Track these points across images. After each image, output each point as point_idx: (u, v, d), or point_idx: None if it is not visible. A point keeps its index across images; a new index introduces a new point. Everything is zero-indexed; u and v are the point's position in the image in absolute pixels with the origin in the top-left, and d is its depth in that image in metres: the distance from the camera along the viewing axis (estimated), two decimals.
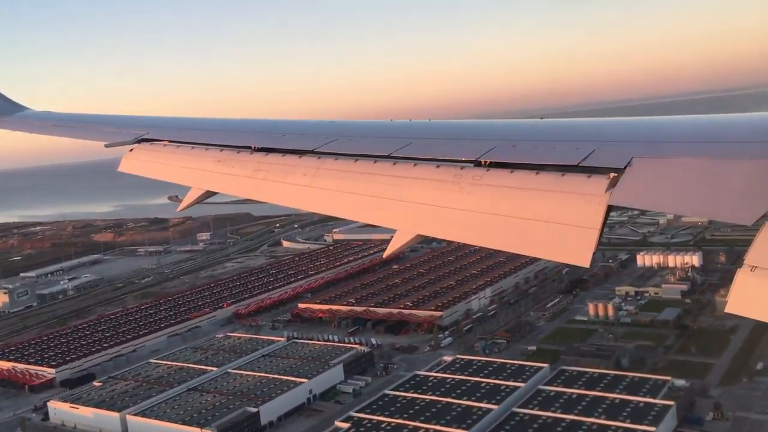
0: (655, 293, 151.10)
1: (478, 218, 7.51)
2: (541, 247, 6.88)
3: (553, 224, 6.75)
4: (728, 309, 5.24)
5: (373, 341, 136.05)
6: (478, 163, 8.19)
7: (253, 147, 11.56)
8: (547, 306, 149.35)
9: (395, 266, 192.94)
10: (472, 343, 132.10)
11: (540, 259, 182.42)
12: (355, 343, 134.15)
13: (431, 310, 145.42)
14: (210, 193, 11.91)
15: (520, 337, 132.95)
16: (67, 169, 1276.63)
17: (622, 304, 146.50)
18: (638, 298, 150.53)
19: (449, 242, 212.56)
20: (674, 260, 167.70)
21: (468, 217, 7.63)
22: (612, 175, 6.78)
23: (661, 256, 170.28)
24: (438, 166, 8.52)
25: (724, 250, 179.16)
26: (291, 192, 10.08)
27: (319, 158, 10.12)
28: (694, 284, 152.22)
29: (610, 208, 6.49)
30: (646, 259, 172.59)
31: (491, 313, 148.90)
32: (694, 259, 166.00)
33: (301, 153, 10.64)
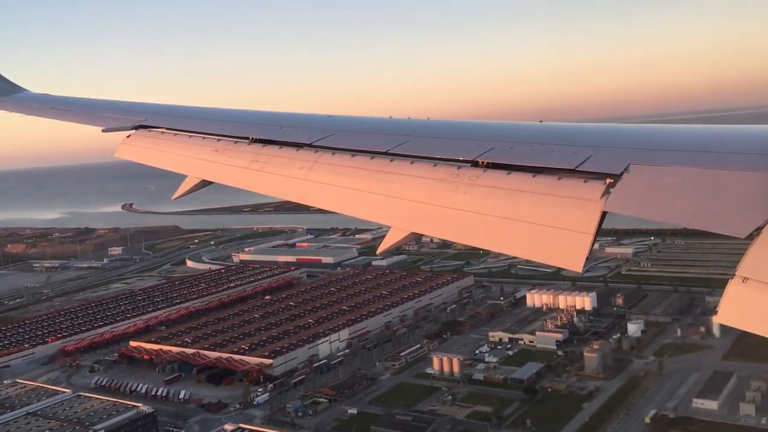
0: (530, 341, 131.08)
1: (473, 219, 7.41)
2: (535, 250, 6.80)
3: (547, 228, 6.67)
4: (717, 319, 5.11)
5: (182, 395, 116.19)
6: (475, 164, 8.02)
7: (250, 138, 11.28)
8: (402, 354, 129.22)
9: (267, 297, 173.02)
10: (292, 400, 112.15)
11: (427, 294, 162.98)
12: (164, 397, 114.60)
13: (263, 356, 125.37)
14: (206, 183, 11.51)
15: (350, 395, 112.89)
16: (40, 174, 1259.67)
17: (486, 354, 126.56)
18: (508, 346, 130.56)
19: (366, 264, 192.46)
20: (564, 301, 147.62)
21: (463, 217, 7.50)
22: (608, 180, 6.65)
23: (552, 296, 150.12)
24: (435, 165, 8.36)
25: (631, 290, 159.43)
26: (287, 184, 9.85)
27: (316, 152, 9.95)
28: (574, 332, 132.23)
29: (604, 214, 6.36)
30: (535, 299, 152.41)
31: (338, 360, 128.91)
32: (586, 302, 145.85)
33: (298, 146, 10.42)
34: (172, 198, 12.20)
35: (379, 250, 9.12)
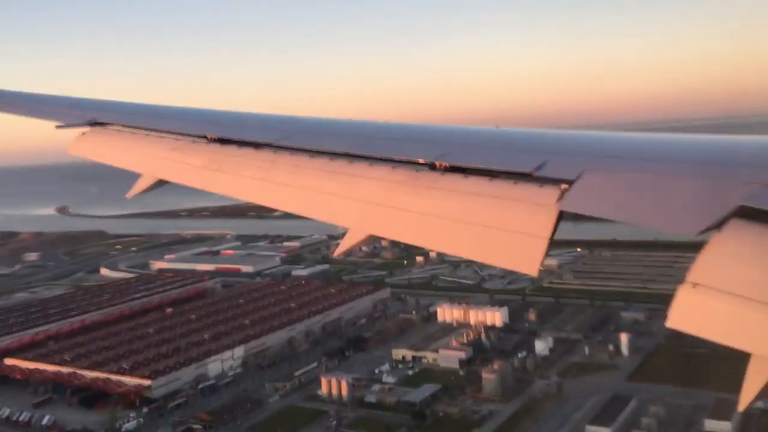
0: (433, 360, 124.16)
1: (431, 222, 7.44)
2: (491, 254, 6.85)
3: (504, 231, 6.78)
4: (669, 324, 5.23)
5: (45, 420, 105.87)
6: (433, 167, 8.07)
7: (209, 137, 11.14)
8: (296, 374, 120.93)
9: (169, 309, 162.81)
10: (163, 426, 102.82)
11: (339, 307, 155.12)
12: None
13: (143, 376, 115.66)
14: (162, 182, 11.26)
15: (229, 420, 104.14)
16: None
17: (385, 374, 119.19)
18: (410, 365, 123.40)
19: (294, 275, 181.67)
20: (475, 316, 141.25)
21: (421, 220, 7.54)
22: (563, 186, 6.76)
23: (463, 311, 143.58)
24: (394, 168, 8.41)
25: (547, 305, 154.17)
26: (245, 185, 9.73)
27: (275, 152, 9.86)
28: (480, 350, 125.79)
29: (560, 219, 6.48)
30: (446, 314, 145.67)
31: (227, 381, 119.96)
32: (497, 317, 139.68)
33: (258, 146, 10.26)
34: (127, 196, 12.11)
35: (337, 252, 9.04)
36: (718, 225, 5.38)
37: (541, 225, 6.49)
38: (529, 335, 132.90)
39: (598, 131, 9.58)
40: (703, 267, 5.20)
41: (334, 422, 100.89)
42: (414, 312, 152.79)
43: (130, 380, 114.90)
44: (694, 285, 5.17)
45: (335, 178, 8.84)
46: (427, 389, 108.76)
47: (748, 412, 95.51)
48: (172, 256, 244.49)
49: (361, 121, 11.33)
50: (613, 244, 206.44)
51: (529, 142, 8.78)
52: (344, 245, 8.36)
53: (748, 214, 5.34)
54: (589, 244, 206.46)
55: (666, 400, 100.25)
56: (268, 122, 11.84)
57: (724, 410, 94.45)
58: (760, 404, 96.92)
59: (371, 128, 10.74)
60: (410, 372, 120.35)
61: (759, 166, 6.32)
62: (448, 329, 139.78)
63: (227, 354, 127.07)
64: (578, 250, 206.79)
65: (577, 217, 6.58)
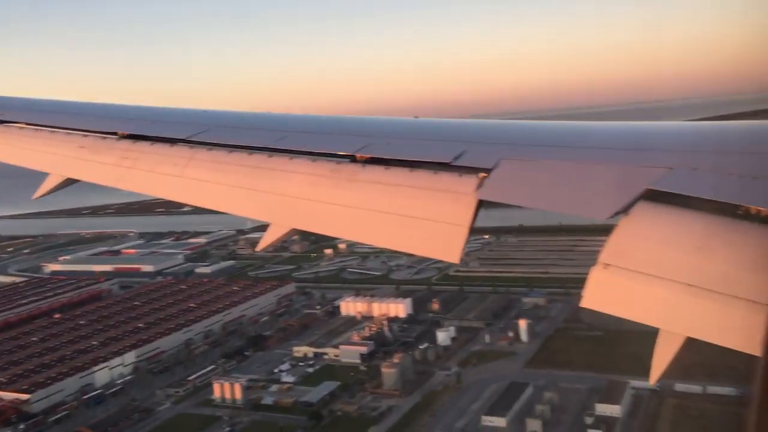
0: (335, 356, 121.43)
1: (353, 214, 7.48)
2: (413, 243, 6.98)
3: (425, 221, 6.86)
4: (583, 304, 5.42)
5: None
6: (354, 159, 8.02)
7: (119, 133, 10.82)
8: (190, 378, 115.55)
9: (57, 315, 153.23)
10: None
11: (241, 305, 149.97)
12: None
13: (21, 390, 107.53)
14: (71, 181, 10.90)
15: None
16: None
17: (285, 373, 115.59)
18: (311, 363, 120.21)
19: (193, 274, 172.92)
20: (379, 309, 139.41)
21: (344, 212, 7.55)
22: (482, 174, 6.93)
23: (366, 304, 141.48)
24: (315, 161, 8.32)
25: (452, 293, 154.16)
26: (160, 182, 9.50)
27: (191, 148, 9.63)
28: (383, 343, 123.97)
29: (480, 205, 6.65)
30: (350, 307, 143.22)
31: (115, 390, 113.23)
32: (400, 309, 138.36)
33: (172, 141, 10.04)
34: (33, 197, 11.54)
35: (259, 247, 8.73)
36: (628, 208, 5.61)
37: (461, 214, 6.61)
38: (433, 325, 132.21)
39: (515, 120, 9.77)
40: (613, 248, 5.43)
41: (228, 428, 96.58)
42: (318, 307, 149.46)
43: (6, 395, 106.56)
44: (606, 266, 5.38)
45: (255, 173, 8.68)
46: (326, 387, 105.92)
47: (639, 394, 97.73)
48: (68, 257, 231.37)
49: (280, 114, 11.30)
50: (521, 230, 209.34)
51: (447, 132, 8.89)
52: (266, 240, 8.18)
53: (655, 196, 5.65)
54: (497, 231, 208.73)
55: (561, 386, 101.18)
56: (183, 117, 11.41)
57: (615, 394, 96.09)
58: (650, 386, 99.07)
59: (291, 121, 10.67)
60: (310, 370, 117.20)
61: (665, 151, 6.63)
62: (352, 323, 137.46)
63: (116, 361, 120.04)
64: (486, 237, 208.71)
65: (490, 205, 6.67)
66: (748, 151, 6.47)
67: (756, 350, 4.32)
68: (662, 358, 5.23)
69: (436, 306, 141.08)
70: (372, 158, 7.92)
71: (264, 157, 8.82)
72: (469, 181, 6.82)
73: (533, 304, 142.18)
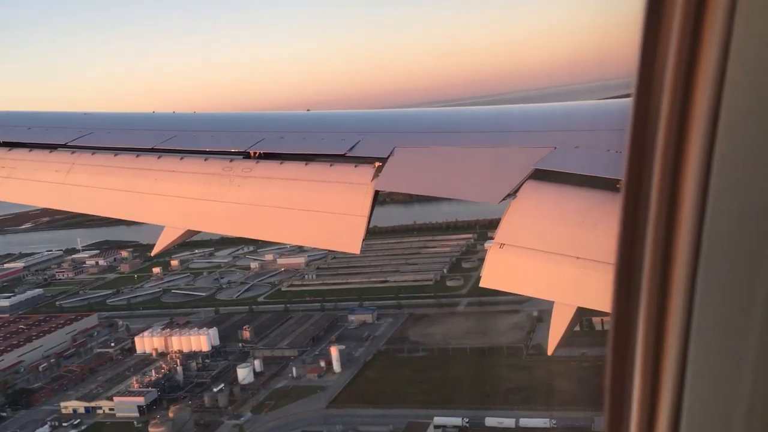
0: (110, 410, 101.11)
1: (249, 211, 7.39)
2: (313, 237, 7.07)
3: (323, 214, 6.90)
4: (483, 284, 5.57)
5: None
6: (247, 155, 7.93)
7: None
8: None
9: None
10: None
11: (20, 348, 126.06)
12: None
13: None
14: None
15: None
16: None
17: None
18: (76, 423, 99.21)
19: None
20: (179, 343, 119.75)
21: (239, 210, 7.46)
22: (377, 164, 6.99)
23: (164, 338, 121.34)
24: (206, 159, 8.16)
25: (274, 315, 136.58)
26: (41, 190, 9.16)
27: (73, 153, 9.23)
28: (173, 387, 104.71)
29: (376, 195, 6.73)
30: (146, 343, 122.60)
31: None
32: (203, 341, 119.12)
33: (52, 147, 9.63)
34: None
35: (154, 251, 8.38)
36: (518, 189, 5.74)
37: (359, 204, 6.60)
38: (242, 357, 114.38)
39: (408, 109, 10.57)
40: (506, 227, 5.55)
41: None
42: (112, 345, 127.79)
43: None
44: (501, 245, 5.48)
45: (143, 175, 8.33)
46: None
47: None
48: None
49: (168, 114, 10.57)
50: (376, 232, 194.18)
51: (341, 124, 8.87)
52: (160, 244, 7.90)
53: (542, 176, 5.83)
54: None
55: (360, 430, 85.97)
56: (62, 121, 10.63)
57: None
58: (456, 422, 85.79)
59: (180, 120, 10.04)
60: (74, 431, 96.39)
61: (549, 131, 6.82)
62: (146, 363, 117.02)
63: None
64: None
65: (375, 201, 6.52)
66: (622, 129, 5.35)
67: None
68: (557, 329, 5.30)
69: (247, 334, 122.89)
70: (266, 154, 7.75)
71: (153, 159, 8.45)
72: (365, 171, 6.87)
73: (360, 321, 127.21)
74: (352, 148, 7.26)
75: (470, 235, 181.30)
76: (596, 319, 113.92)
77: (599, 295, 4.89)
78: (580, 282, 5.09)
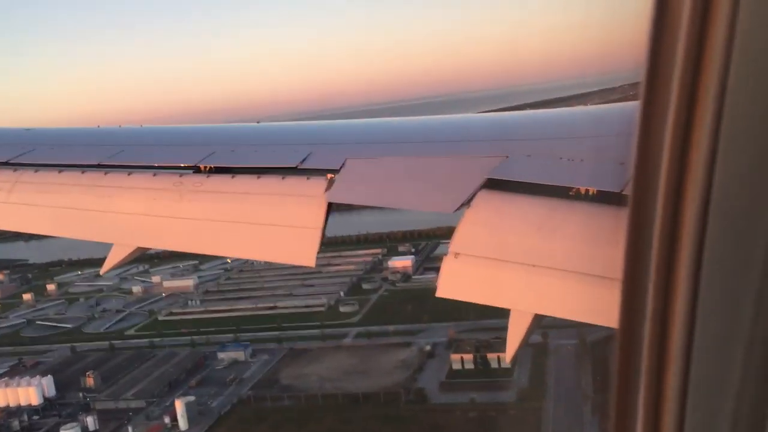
0: None
1: (201, 226, 7.33)
2: (267, 250, 6.96)
3: (277, 227, 6.83)
4: (439, 294, 5.59)
5: None
6: (197, 170, 7.76)
7: None
8: None
9: None
10: None
11: None
12: None
13: None
14: None
15: None
16: None
17: None
18: None
19: None
20: (4, 395, 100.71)
21: (191, 225, 7.38)
22: (329, 176, 7.01)
23: None
24: (155, 174, 7.94)
25: (136, 353, 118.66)
26: None
27: (15, 170, 8.87)
28: None
29: (330, 207, 6.70)
30: None
31: None
32: (32, 394, 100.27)
33: None
34: None
35: (103, 270, 8.21)
36: (471, 199, 5.82)
37: (312, 216, 6.63)
38: (81, 410, 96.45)
39: (360, 120, 9.97)
40: (460, 237, 5.59)
41: None
42: None
43: None
44: (456, 255, 5.54)
45: (89, 191, 8.08)
46: None
47: None
48: None
49: (114, 128, 10.47)
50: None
51: (292, 136, 8.89)
52: (109, 262, 7.70)
53: (496, 185, 5.93)
54: None
55: None
56: (4, 137, 10.23)
57: None
58: None
59: (127, 135, 9.81)
60: None
61: (501, 140, 6.93)
62: None
63: None
64: (228, 260, 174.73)
65: (339, 207, 6.66)
66: (575, 136, 6.87)
67: (593, 319, 4.68)
68: (514, 337, 5.35)
69: (91, 380, 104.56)
70: (217, 167, 7.71)
71: (99, 175, 8.23)
72: (317, 183, 6.88)
73: (231, 359, 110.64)
74: (303, 161, 7.24)
75: (378, 251, 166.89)
76: (491, 356, 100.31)
77: (556, 302, 5.10)
78: (536, 289, 5.16)
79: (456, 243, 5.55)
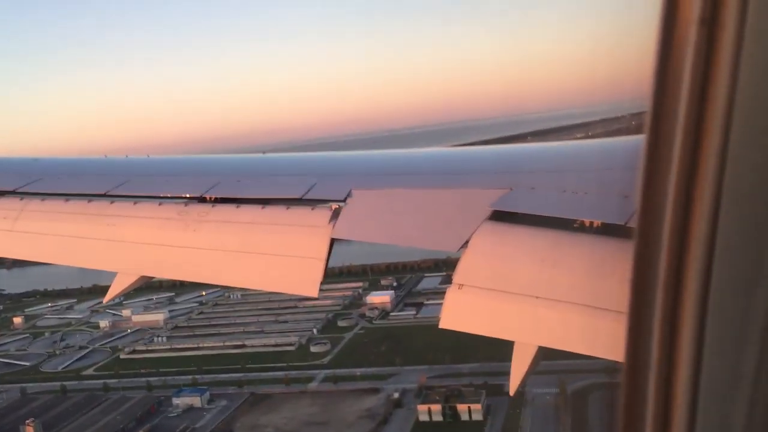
0: None
1: (205, 255, 7.35)
2: (270, 281, 7.00)
3: (280, 257, 6.84)
4: (442, 325, 5.54)
5: None
6: (203, 199, 7.86)
7: None
8: None
9: None
10: None
11: None
12: None
13: None
14: None
15: None
16: None
17: None
18: None
19: None
20: None
21: (195, 254, 7.40)
22: (334, 206, 7.05)
23: None
24: (161, 204, 8.06)
25: (90, 396, 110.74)
26: None
27: (21, 199, 8.97)
28: None
29: (333, 241, 6.66)
30: None
31: None
32: None
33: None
34: None
35: (106, 299, 8.16)
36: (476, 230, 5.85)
37: (316, 247, 6.61)
38: None
39: (365, 151, 10.17)
40: (464, 268, 5.54)
41: None
42: None
43: None
44: (460, 286, 5.48)
45: (96, 221, 8.17)
46: None
47: None
48: None
49: (120, 158, 10.64)
50: None
51: (297, 167, 8.96)
52: (113, 291, 7.74)
53: (500, 216, 5.91)
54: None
55: None
56: (10, 166, 10.32)
57: None
58: None
59: (132, 165, 10.04)
60: None
61: (505, 172, 6.92)
62: None
63: None
64: (203, 294, 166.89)
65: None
66: (579, 169, 6.82)
67: (596, 352, 4.65)
68: (518, 369, 5.31)
69: (30, 430, 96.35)
70: (222, 198, 7.74)
71: (105, 204, 8.35)
72: (322, 214, 6.86)
73: (187, 405, 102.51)
74: (308, 191, 7.30)
75: (359, 284, 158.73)
76: (462, 407, 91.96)
77: (559, 334, 5.01)
78: (540, 321, 5.11)
79: (459, 274, 5.51)
